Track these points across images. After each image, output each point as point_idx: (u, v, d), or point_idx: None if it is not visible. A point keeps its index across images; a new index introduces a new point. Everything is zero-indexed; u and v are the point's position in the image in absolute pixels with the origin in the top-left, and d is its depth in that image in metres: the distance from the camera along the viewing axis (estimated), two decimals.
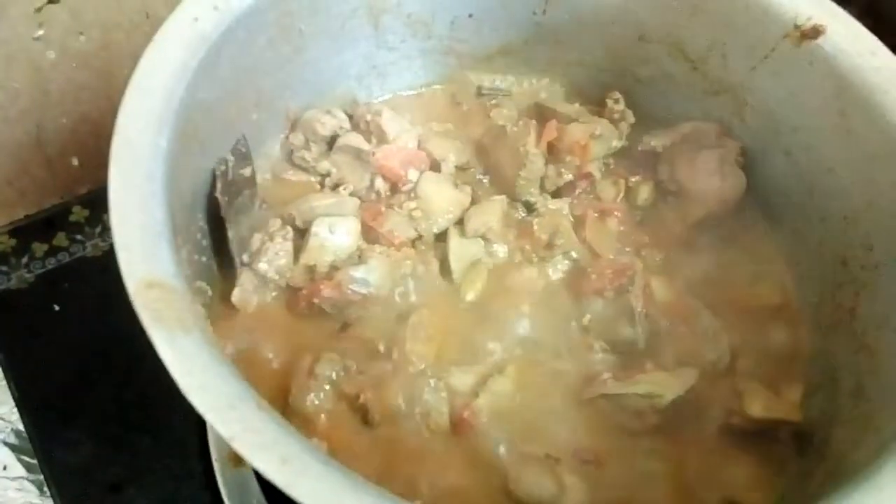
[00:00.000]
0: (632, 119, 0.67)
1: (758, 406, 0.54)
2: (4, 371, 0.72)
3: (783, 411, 0.55)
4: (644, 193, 0.66)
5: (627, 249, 0.63)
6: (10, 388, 0.71)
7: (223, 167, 0.56)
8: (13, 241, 0.77)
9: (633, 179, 0.67)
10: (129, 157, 0.44)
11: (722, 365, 0.58)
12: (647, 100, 0.68)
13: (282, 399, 0.53)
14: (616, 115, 0.67)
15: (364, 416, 0.53)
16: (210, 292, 0.53)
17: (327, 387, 0.53)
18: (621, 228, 0.64)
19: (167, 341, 0.38)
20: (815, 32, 0.57)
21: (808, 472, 0.52)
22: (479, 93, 0.71)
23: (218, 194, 0.55)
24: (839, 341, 0.57)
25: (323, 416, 0.53)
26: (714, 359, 0.58)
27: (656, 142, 0.65)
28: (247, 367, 0.52)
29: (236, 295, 0.55)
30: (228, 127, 0.57)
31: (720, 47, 0.63)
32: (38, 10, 0.71)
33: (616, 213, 0.64)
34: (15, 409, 0.72)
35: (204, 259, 0.54)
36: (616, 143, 0.66)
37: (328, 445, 0.50)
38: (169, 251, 0.42)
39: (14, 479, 0.73)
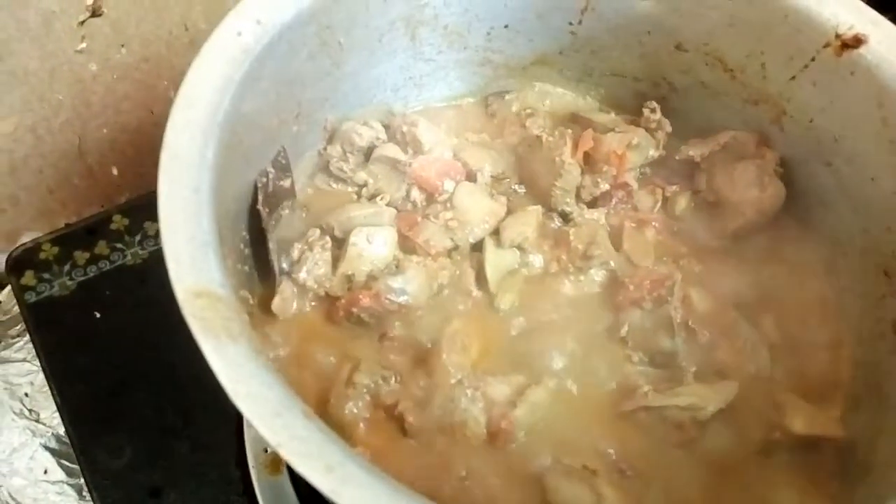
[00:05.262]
0: (669, 128, 0.67)
1: (800, 422, 0.53)
2: (47, 376, 0.73)
3: (825, 427, 0.54)
4: (682, 203, 0.66)
5: (665, 259, 0.63)
6: (52, 393, 0.72)
7: (264, 179, 0.57)
8: (55, 250, 0.79)
9: (671, 189, 0.67)
10: (177, 169, 0.45)
11: (762, 377, 0.57)
12: (684, 109, 0.68)
13: (321, 407, 0.53)
14: (653, 125, 0.67)
15: (402, 425, 0.53)
16: (252, 301, 0.53)
17: (367, 396, 0.53)
18: (659, 238, 0.64)
19: (216, 350, 0.39)
20: (857, 41, 0.57)
21: (851, 489, 0.52)
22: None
23: (260, 206, 0.56)
24: (882, 354, 0.57)
25: (361, 424, 0.53)
26: (754, 371, 0.57)
27: (694, 151, 0.65)
28: (286, 374, 0.52)
29: (276, 303, 0.56)
30: (270, 139, 0.58)
31: (759, 56, 0.62)
32: (81, 23, 0.72)
33: (654, 222, 0.64)
34: (56, 414, 0.73)
35: (246, 269, 0.55)
36: (653, 153, 0.66)
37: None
38: (216, 261, 0.43)
39: (54, 482, 0.75)
